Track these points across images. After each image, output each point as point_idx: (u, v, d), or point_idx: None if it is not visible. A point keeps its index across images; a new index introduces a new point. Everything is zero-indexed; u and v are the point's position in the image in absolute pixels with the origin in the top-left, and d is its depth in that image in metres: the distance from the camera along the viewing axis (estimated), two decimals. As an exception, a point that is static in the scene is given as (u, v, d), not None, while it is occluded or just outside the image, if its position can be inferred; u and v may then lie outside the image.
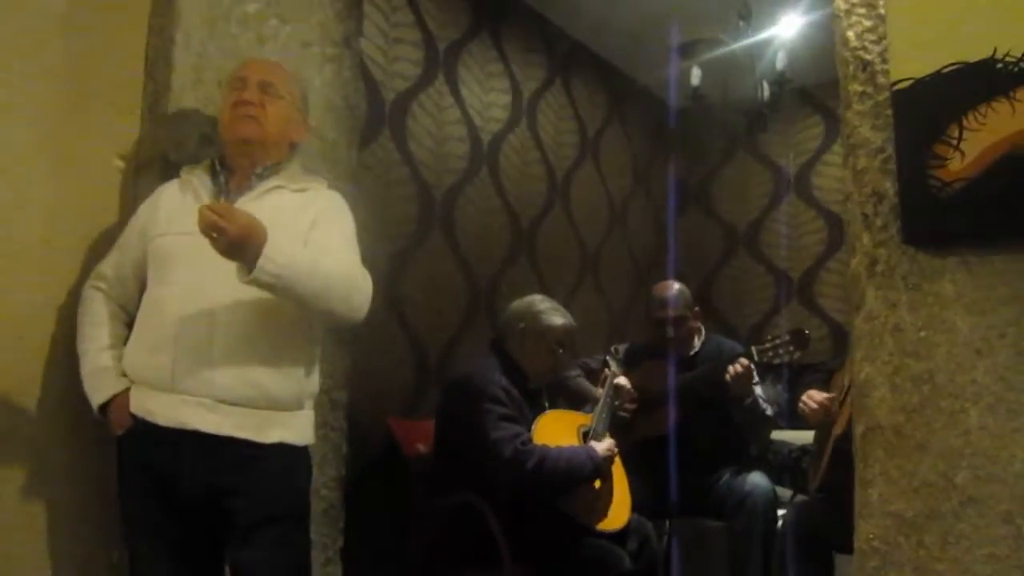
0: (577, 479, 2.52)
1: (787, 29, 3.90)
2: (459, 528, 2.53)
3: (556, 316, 2.76)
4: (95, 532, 1.90)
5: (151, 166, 2.05)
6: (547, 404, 2.82)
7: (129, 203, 2.02)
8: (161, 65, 2.10)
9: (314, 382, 1.80)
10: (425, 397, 3.40)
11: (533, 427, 2.59)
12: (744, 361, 2.91)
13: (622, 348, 3.28)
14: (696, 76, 3.92)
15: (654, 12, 4.22)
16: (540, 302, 2.81)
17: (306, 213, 1.76)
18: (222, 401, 1.63)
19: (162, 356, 1.64)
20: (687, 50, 4.32)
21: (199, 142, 2.08)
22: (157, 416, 1.64)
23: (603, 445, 2.64)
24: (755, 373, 3.19)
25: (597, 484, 2.61)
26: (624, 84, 5.02)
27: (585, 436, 2.75)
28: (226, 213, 1.48)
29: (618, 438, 2.81)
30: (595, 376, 3.15)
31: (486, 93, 4.01)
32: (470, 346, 3.61)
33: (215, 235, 1.46)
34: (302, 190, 1.81)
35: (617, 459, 2.74)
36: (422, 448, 2.92)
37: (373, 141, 3.31)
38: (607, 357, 3.14)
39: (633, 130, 5.11)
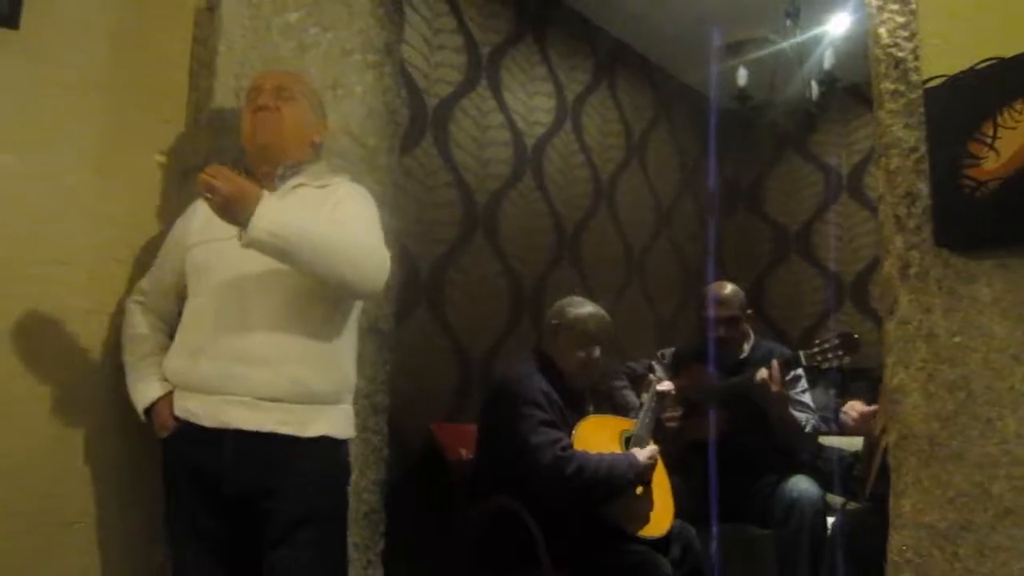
0: (617, 486, 2.49)
1: (837, 27, 3.82)
2: (500, 533, 2.52)
3: (585, 308, 2.75)
4: (143, 530, 1.95)
5: (195, 174, 2.10)
6: (591, 408, 2.80)
7: (174, 210, 2.07)
8: (205, 75, 2.16)
9: (352, 376, 1.82)
10: (468, 401, 3.42)
11: (574, 432, 2.58)
12: (775, 364, 2.85)
13: (668, 353, 3.24)
14: (743, 76, 3.87)
15: (700, 11, 4.18)
16: (573, 299, 2.81)
17: (327, 202, 1.79)
18: (262, 398, 1.65)
19: (202, 358, 1.69)
20: (734, 50, 4.27)
21: (241, 150, 2.13)
22: (201, 417, 1.68)
23: (645, 452, 2.60)
24: (804, 380, 3.13)
25: (639, 490, 2.58)
26: (670, 85, 4.98)
27: (628, 442, 2.71)
28: (218, 173, 1.52)
29: (663, 442, 2.78)
30: (641, 382, 3.13)
31: (530, 97, 4.01)
32: (513, 350, 3.61)
33: (209, 195, 1.51)
34: (324, 186, 1.84)
35: (660, 465, 2.71)
36: (464, 452, 2.93)
37: (416, 147, 3.34)
38: (652, 363, 3.11)
39: (680, 131, 5.06)
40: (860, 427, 2.45)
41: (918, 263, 1.46)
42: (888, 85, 1.51)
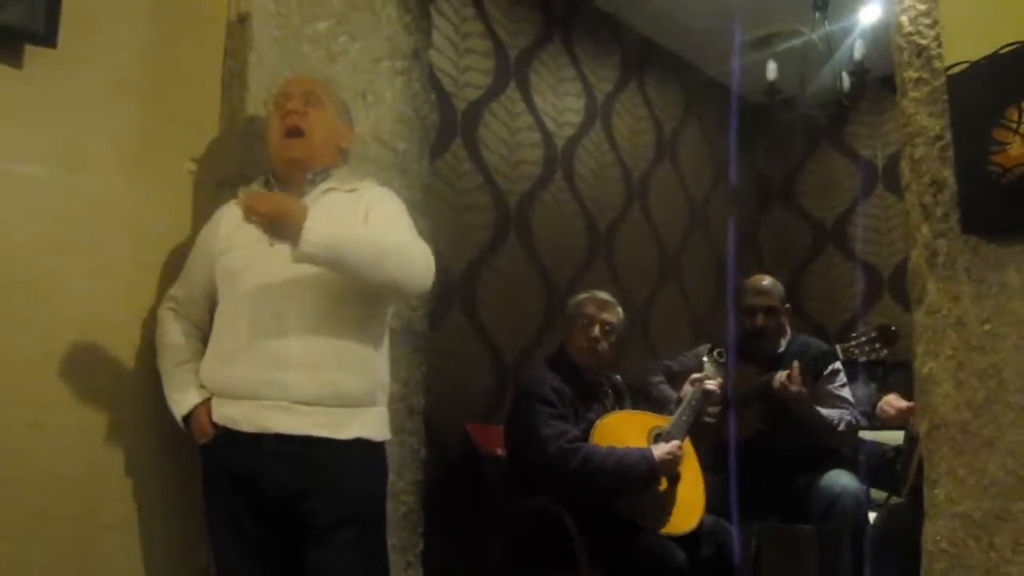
0: (629, 480, 2.49)
1: (867, 17, 3.78)
2: (537, 531, 2.55)
3: (584, 294, 2.84)
4: (185, 535, 1.98)
5: (229, 182, 2.13)
6: (611, 404, 2.80)
7: (208, 219, 2.11)
8: (237, 85, 2.19)
9: (385, 378, 1.85)
10: (503, 401, 3.43)
11: (596, 424, 2.60)
12: (788, 372, 2.82)
13: (723, 351, 3.19)
14: (772, 70, 3.84)
15: (727, 5, 4.14)
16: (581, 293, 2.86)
17: (358, 206, 1.82)
18: (299, 402, 1.68)
19: (238, 365, 1.72)
20: (763, 43, 4.24)
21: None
22: (239, 423, 1.71)
23: (664, 448, 2.58)
24: (843, 374, 3.10)
25: (663, 486, 2.57)
26: (700, 80, 4.95)
27: (657, 438, 2.70)
28: (256, 196, 1.59)
29: (701, 440, 2.77)
30: (679, 379, 3.10)
31: (559, 98, 4.02)
32: (547, 351, 3.61)
33: (253, 218, 1.57)
34: (353, 190, 1.86)
35: (693, 461, 2.69)
36: (500, 452, 2.95)
37: (445, 151, 3.37)
38: (704, 360, 3.08)
39: (711, 127, 5.03)
40: (899, 421, 2.42)
41: (945, 251, 1.45)
42: (911, 73, 1.50)
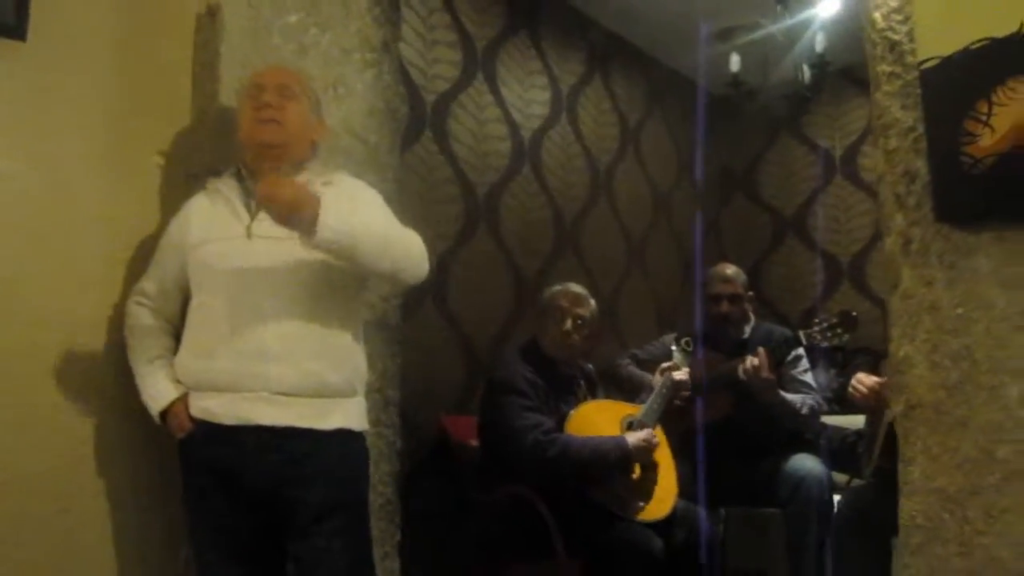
0: (604, 468, 2.52)
1: (826, 10, 3.86)
2: (512, 521, 2.57)
3: (556, 286, 2.86)
4: (162, 532, 1.96)
5: (201, 176, 2.11)
6: (583, 395, 2.83)
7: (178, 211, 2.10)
8: (207, 78, 2.18)
9: (363, 369, 1.85)
10: (475, 393, 3.45)
11: (570, 415, 2.62)
12: (756, 358, 2.87)
13: (691, 340, 3.22)
14: (735, 63, 3.91)
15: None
16: (552, 285, 2.89)
17: (340, 199, 1.78)
18: (280, 393, 1.68)
19: (218, 358, 1.70)
20: (725, 36, 4.30)
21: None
22: (219, 416, 1.69)
23: (637, 435, 2.62)
24: (805, 359, 3.16)
25: (636, 474, 2.61)
26: (663, 74, 5.01)
27: (630, 427, 2.74)
28: (276, 181, 1.59)
29: (669, 426, 2.81)
30: (646, 367, 3.15)
31: (525, 90, 4.04)
32: (518, 341, 3.62)
33: (272, 204, 1.56)
34: (328, 183, 1.84)
35: (665, 448, 2.74)
36: (474, 443, 2.97)
37: (415, 143, 3.37)
38: (672, 348, 3.12)
39: (674, 119, 5.10)
40: (868, 400, 2.45)
41: (919, 239, 1.51)
42: (884, 68, 1.55)
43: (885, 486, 2.30)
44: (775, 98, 4.19)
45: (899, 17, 1.54)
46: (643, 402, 2.89)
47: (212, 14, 2.20)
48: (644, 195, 4.81)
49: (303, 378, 1.70)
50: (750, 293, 3.27)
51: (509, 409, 2.56)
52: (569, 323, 2.75)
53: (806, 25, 3.91)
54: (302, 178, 1.81)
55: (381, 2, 2.57)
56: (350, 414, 1.78)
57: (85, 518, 1.86)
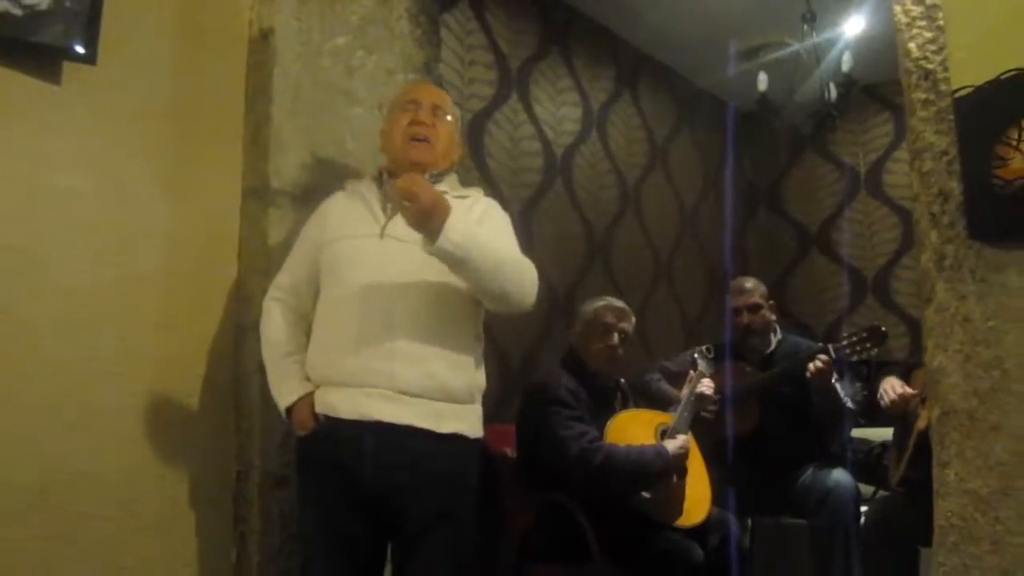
0: (647, 476, 2.56)
1: (852, 29, 3.94)
2: (548, 526, 2.61)
3: (600, 301, 2.88)
4: (217, 532, 2.05)
5: (254, 192, 2.23)
6: (619, 406, 2.87)
7: (243, 228, 2.20)
8: (260, 99, 2.27)
9: (481, 378, 1.86)
10: (510, 402, 3.53)
11: (608, 425, 2.67)
12: (824, 357, 2.89)
13: (713, 348, 3.22)
14: (763, 81, 3.96)
15: (718, 19, 4.30)
16: (594, 298, 2.94)
17: (471, 213, 1.83)
18: (403, 392, 1.69)
19: (344, 353, 1.73)
20: (752, 54, 4.38)
21: (298, 168, 2.26)
22: (340, 410, 1.71)
23: (675, 443, 2.66)
24: (833, 373, 3.21)
25: (674, 481, 2.65)
26: (691, 91, 5.11)
27: (663, 435, 2.78)
28: (418, 183, 1.59)
29: (700, 436, 2.87)
30: (676, 379, 3.20)
31: (558, 107, 4.15)
32: (550, 353, 3.73)
33: (408, 203, 1.56)
34: (464, 196, 1.88)
35: (698, 455, 2.79)
36: (509, 451, 3.03)
37: (454, 159, 3.47)
38: (695, 356, 3.17)
39: (701, 135, 5.19)
40: (896, 406, 2.47)
41: (952, 255, 1.60)
42: (919, 95, 1.65)
43: (912, 496, 2.36)
44: (801, 116, 4.26)
45: (934, 47, 1.63)
46: (674, 411, 2.95)
47: (265, 37, 2.29)
48: (671, 210, 4.90)
49: (426, 379, 1.71)
50: (771, 302, 3.31)
51: (554, 419, 2.59)
52: (615, 337, 2.80)
53: (832, 43, 3.98)
54: (442, 187, 1.83)
55: (422, 25, 2.67)
56: (466, 420, 1.78)
57: (143, 519, 1.94)
